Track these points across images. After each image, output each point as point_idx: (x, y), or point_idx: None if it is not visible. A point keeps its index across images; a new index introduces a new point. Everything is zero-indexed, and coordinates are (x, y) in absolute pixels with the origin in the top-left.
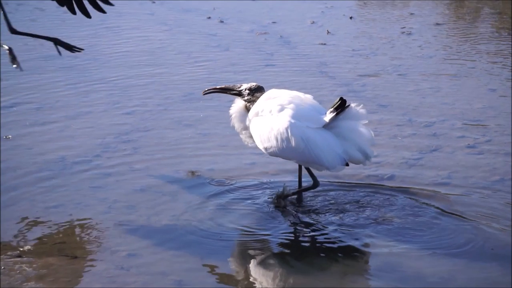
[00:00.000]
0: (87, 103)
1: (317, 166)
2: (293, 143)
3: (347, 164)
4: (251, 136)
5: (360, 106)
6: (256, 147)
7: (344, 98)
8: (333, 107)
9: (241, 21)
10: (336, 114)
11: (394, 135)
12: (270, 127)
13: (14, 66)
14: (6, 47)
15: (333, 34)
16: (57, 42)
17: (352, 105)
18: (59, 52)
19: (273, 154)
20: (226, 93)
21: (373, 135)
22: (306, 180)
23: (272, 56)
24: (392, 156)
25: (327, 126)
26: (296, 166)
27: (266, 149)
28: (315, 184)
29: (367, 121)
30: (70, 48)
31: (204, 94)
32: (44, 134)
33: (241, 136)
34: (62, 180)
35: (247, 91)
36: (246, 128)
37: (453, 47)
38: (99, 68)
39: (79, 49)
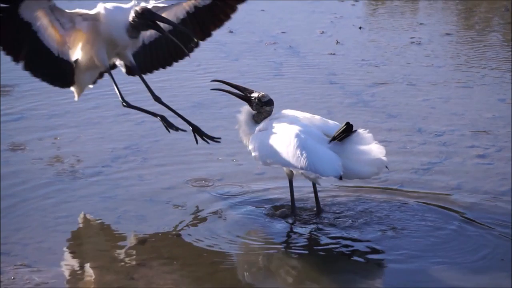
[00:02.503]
0: (96, 112)
1: (311, 173)
2: (293, 148)
3: (340, 178)
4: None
5: (367, 131)
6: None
7: (351, 123)
8: (339, 132)
9: (250, 31)
10: (341, 139)
11: (404, 145)
12: (274, 135)
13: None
14: (159, 117)
15: (342, 44)
16: (194, 129)
17: (360, 130)
18: (196, 140)
19: (267, 159)
20: (233, 92)
21: (383, 151)
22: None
23: (281, 66)
24: (401, 165)
25: (332, 147)
26: (302, 178)
27: (261, 154)
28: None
29: (374, 143)
30: (202, 135)
31: (211, 81)
32: (53, 143)
33: (243, 142)
34: (71, 189)
35: (256, 101)
36: (250, 134)
37: (463, 57)
38: (108, 77)
39: (216, 139)
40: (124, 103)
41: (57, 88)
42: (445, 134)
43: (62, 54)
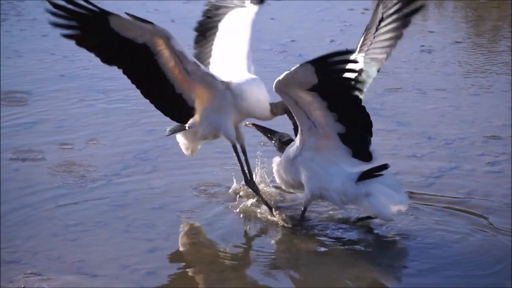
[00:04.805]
0: (106, 122)
1: None
2: None
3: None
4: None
5: (396, 175)
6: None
7: (389, 164)
8: (373, 168)
9: (260, 39)
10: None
11: (414, 152)
12: None
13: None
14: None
15: None
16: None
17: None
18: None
19: None
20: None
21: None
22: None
23: None
24: (411, 173)
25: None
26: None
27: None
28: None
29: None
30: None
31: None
32: (63, 152)
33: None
34: (81, 198)
35: (277, 142)
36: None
37: (473, 64)
38: (118, 85)
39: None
40: (249, 183)
41: (65, 94)
42: (455, 141)
43: (184, 95)
